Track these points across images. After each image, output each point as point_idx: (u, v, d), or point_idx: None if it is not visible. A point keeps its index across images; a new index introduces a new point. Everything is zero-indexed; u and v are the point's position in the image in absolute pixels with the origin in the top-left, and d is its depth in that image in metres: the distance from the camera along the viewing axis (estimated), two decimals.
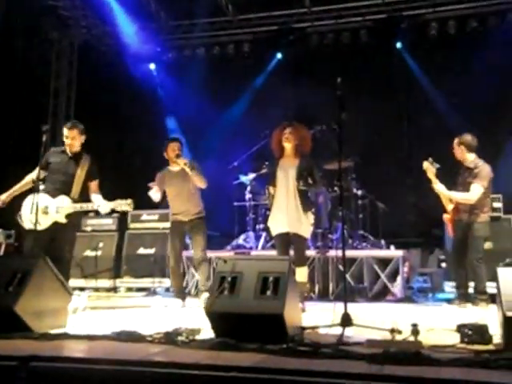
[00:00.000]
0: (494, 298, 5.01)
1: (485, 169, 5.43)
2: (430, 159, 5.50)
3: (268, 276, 3.07)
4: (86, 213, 5.18)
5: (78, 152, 5.19)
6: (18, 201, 5.17)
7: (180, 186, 5.65)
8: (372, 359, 2.38)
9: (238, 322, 2.97)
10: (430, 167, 5.47)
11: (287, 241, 5.02)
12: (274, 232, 5.10)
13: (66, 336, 3.13)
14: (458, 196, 5.51)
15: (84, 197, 5.07)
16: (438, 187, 5.52)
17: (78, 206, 4.89)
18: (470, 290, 5.64)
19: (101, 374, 2.41)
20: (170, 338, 2.93)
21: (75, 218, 5.06)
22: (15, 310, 3.26)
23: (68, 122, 5.28)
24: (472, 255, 5.43)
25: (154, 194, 5.59)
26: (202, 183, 5.60)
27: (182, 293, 5.76)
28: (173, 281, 5.82)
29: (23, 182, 5.17)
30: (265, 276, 3.08)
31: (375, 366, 2.31)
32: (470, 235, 5.45)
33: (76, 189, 5.00)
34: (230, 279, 3.09)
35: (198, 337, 3.08)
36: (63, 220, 4.86)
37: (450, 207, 5.66)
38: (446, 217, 5.74)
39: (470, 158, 5.53)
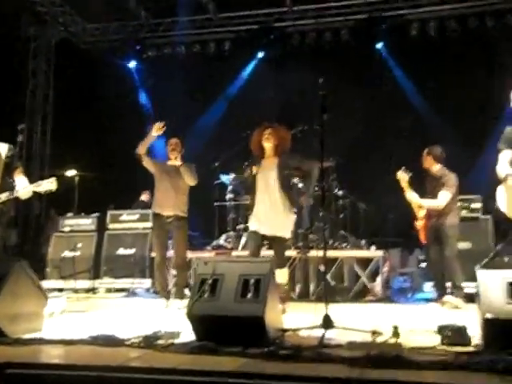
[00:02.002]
0: (472, 298, 5.12)
1: (452, 177, 5.73)
2: (404, 168, 5.81)
3: (249, 278, 3.04)
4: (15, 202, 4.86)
5: None
6: None
7: (172, 180, 5.60)
8: (353, 363, 2.37)
9: (219, 325, 2.94)
10: (403, 177, 5.79)
11: (260, 240, 4.98)
12: (252, 228, 5.05)
13: (41, 341, 3.05)
14: (428, 203, 5.79)
15: (8, 187, 4.75)
16: (411, 196, 5.83)
17: None
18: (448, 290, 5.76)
19: (78, 380, 2.36)
20: (148, 342, 2.88)
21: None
22: None
23: None
24: (448, 253, 5.63)
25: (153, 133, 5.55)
26: (191, 179, 5.62)
27: (166, 291, 5.66)
28: (158, 278, 5.70)
29: None
30: (246, 278, 3.05)
31: (356, 369, 2.29)
32: (443, 235, 5.68)
33: None
34: (210, 281, 3.06)
35: (177, 340, 3.03)
36: None
37: (421, 213, 5.90)
38: (418, 224, 5.96)
39: (436, 168, 5.83)
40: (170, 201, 5.58)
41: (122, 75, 10.33)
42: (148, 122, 10.60)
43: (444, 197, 5.64)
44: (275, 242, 4.99)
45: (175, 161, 5.61)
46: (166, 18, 9.87)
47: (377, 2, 9.17)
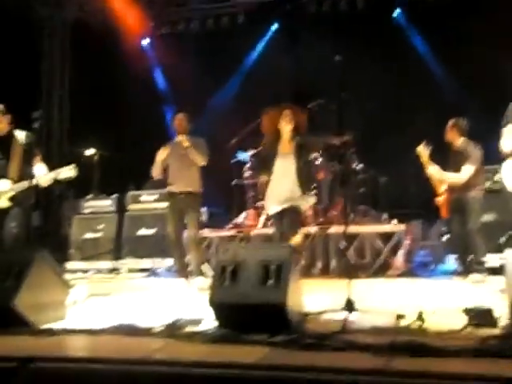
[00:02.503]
0: (496, 271, 5.07)
1: (476, 151, 5.63)
2: (424, 143, 5.76)
3: (270, 264, 3.01)
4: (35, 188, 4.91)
5: (6, 133, 4.87)
6: None
7: (182, 157, 5.52)
8: (377, 351, 2.33)
9: (241, 313, 2.92)
10: (423, 152, 5.74)
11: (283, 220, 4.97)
12: (271, 211, 5.04)
13: (65, 331, 3.07)
14: (450, 177, 5.71)
15: (27, 174, 4.76)
16: (432, 170, 5.75)
17: (17, 187, 4.68)
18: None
19: (102, 373, 2.37)
20: (170, 332, 2.88)
21: (21, 198, 4.76)
22: (13, 304, 3.20)
23: None
24: (471, 226, 5.56)
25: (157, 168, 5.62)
26: (199, 159, 5.52)
27: (185, 271, 5.63)
28: (176, 257, 5.71)
29: None
30: (266, 264, 3.01)
31: (381, 358, 2.26)
32: (467, 209, 5.61)
33: (14, 169, 4.76)
34: (231, 268, 3.03)
35: (199, 328, 3.03)
36: (6, 204, 4.67)
37: (442, 188, 5.83)
38: (438, 200, 5.90)
39: (460, 141, 5.72)
40: (181, 178, 5.54)
41: (137, 53, 10.24)
42: (164, 101, 10.64)
43: (467, 171, 5.54)
44: (288, 212, 4.93)
45: (181, 139, 5.51)
46: None
47: None
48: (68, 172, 4.72)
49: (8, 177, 4.74)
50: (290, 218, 4.93)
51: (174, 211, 5.64)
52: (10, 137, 4.86)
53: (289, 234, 4.73)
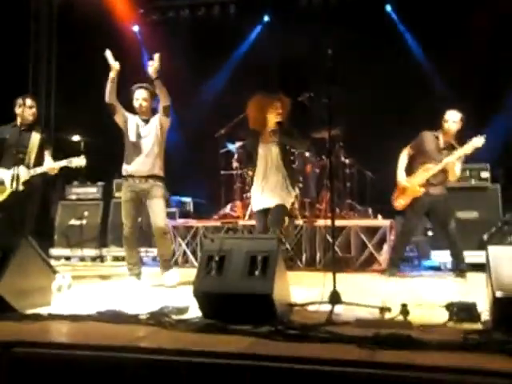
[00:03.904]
0: (479, 267, 5.10)
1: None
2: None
3: (256, 255, 3.01)
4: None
5: (31, 123, 5.39)
6: None
7: (144, 137, 4.91)
8: (362, 343, 2.35)
9: (226, 303, 2.92)
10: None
11: (266, 218, 4.94)
12: (255, 207, 5.01)
13: (49, 317, 3.05)
14: (458, 170, 5.51)
15: (40, 164, 5.34)
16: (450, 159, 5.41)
17: (32, 171, 5.18)
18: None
19: (86, 360, 2.36)
20: (156, 319, 2.87)
21: (33, 183, 5.25)
22: None
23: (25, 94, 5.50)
24: (453, 225, 5.52)
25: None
26: (166, 97, 4.91)
27: (137, 268, 5.03)
28: (128, 253, 5.04)
29: None
30: (253, 255, 3.02)
31: (365, 350, 2.28)
32: (446, 207, 5.57)
33: (30, 158, 5.25)
34: (217, 259, 3.03)
35: (185, 316, 3.03)
36: (20, 188, 5.05)
37: (420, 179, 5.55)
38: (416, 191, 5.58)
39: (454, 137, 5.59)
40: (140, 161, 4.89)
41: (125, 38, 10.13)
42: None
43: (460, 168, 5.54)
44: (274, 209, 4.84)
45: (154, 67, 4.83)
46: None
47: None
48: (79, 161, 5.28)
49: (24, 164, 5.20)
50: (274, 215, 4.84)
51: (131, 198, 4.97)
52: (31, 128, 5.37)
53: (272, 229, 4.68)
